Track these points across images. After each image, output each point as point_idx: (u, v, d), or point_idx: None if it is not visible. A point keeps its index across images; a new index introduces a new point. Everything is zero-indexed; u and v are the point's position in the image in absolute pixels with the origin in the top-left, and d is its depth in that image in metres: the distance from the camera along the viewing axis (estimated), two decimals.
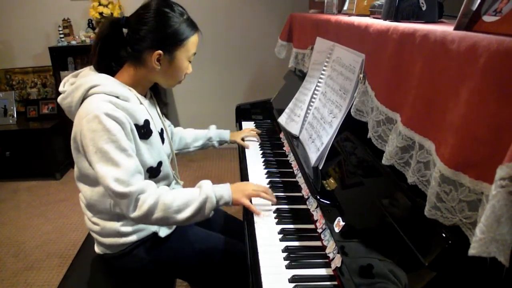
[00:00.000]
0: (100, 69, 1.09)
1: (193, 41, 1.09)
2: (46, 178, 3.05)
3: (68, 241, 2.29)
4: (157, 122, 1.17)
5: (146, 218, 1.00)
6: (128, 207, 0.98)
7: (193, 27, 1.09)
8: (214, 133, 1.60)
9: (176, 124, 3.47)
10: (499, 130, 0.50)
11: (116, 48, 1.08)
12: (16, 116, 3.13)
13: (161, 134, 1.19)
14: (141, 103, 1.10)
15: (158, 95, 1.26)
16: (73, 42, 3.02)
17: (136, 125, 1.05)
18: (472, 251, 0.47)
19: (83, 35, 3.07)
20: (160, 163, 1.14)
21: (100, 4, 2.96)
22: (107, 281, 1.16)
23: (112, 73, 1.09)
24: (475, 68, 0.55)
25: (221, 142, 1.63)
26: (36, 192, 2.88)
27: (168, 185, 1.23)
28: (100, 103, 0.98)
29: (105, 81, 1.03)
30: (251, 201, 1.14)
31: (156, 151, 1.12)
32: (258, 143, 1.71)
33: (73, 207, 2.65)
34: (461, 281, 0.61)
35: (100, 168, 0.96)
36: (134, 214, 0.99)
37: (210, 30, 3.17)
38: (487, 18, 0.64)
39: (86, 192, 1.10)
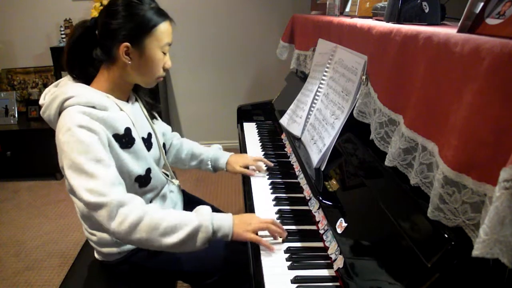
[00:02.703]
0: (75, 76, 1.05)
1: (163, 29, 1.01)
2: (47, 178, 3.05)
3: (69, 241, 2.29)
4: (143, 126, 1.12)
5: (126, 236, 0.90)
6: (106, 219, 0.89)
7: (161, 14, 1.02)
8: (211, 155, 1.40)
9: (177, 125, 3.49)
10: (502, 132, 0.50)
11: (88, 52, 1.03)
12: (17, 116, 3.13)
13: (148, 139, 1.14)
14: (121, 110, 1.04)
15: (142, 97, 1.19)
16: None
17: (116, 135, 1.00)
18: (475, 252, 0.47)
19: None
20: (148, 170, 1.09)
21: (101, 5, 2.96)
22: (109, 282, 1.16)
23: (90, 79, 1.05)
24: (478, 71, 0.55)
25: (216, 169, 1.41)
26: (37, 192, 2.88)
27: (161, 189, 1.19)
28: (74, 116, 0.93)
29: (80, 91, 0.98)
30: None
31: (142, 159, 1.07)
32: (260, 144, 1.71)
33: (74, 207, 2.61)
34: (464, 282, 0.61)
35: (73, 181, 0.90)
36: (112, 229, 0.90)
37: (211, 31, 3.18)
38: (490, 21, 0.64)
39: (79, 206, 1.07)
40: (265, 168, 1.43)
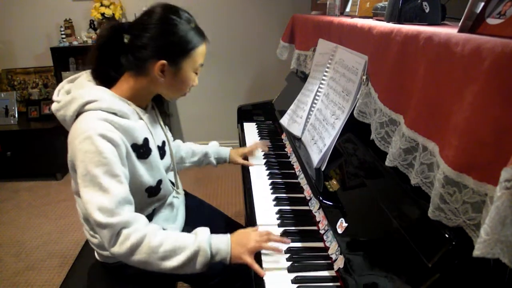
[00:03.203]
0: (97, 76, 1.02)
1: (200, 51, 1.01)
2: (47, 178, 3.05)
3: (69, 241, 2.29)
4: (158, 135, 1.12)
5: (126, 257, 0.90)
6: (108, 239, 0.89)
7: (201, 36, 1.02)
8: (213, 149, 1.49)
9: (177, 125, 3.49)
10: (503, 132, 0.50)
11: (116, 55, 1.01)
12: (17, 116, 3.13)
13: (162, 147, 1.13)
14: (140, 118, 1.03)
15: (160, 106, 1.18)
16: (75, 43, 3.03)
17: (135, 145, 0.98)
18: (476, 252, 0.47)
19: (84, 36, 3.07)
20: (160, 181, 1.09)
21: (102, 5, 2.96)
22: (109, 282, 1.16)
23: (110, 82, 1.02)
24: (479, 71, 0.55)
25: (219, 161, 1.51)
26: (37, 192, 2.88)
27: (167, 198, 1.18)
28: (95, 122, 0.90)
29: (102, 95, 0.95)
30: (260, 255, 1.00)
31: (155, 170, 1.06)
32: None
33: (74, 207, 2.63)
34: (465, 282, 0.61)
35: (86, 193, 0.89)
36: (113, 249, 0.89)
37: (212, 31, 3.15)
38: (491, 21, 0.64)
39: (83, 208, 1.05)
40: (262, 153, 1.58)
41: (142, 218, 0.94)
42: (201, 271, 0.95)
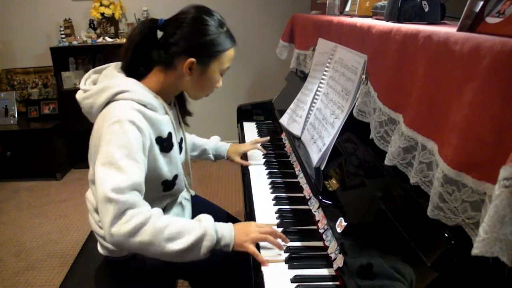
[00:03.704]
0: (128, 70, 1.04)
1: (229, 54, 1.05)
2: (47, 178, 3.05)
3: (69, 241, 2.29)
4: (178, 131, 1.15)
5: (127, 238, 0.86)
6: (111, 217, 0.85)
7: (231, 40, 1.05)
8: (212, 145, 1.54)
9: None
10: (502, 131, 0.50)
11: (148, 50, 1.03)
12: (17, 116, 3.13)
13: (180, 143, 1.16)
14: (166, 113, 1.06)
15: (182, 104, 1.23)
16: (75, 43, 3.03)
17: (159, 138, 1.01)
18: (475, 251, 0.47)
19: (84, 36, 3.07)
20: (176, 176, 1.10)
21: (101, 5, 2.96)
22: (109, 280, 1.16)
23: (139, 76, 1.04)
24: (478, 69, 0.55)
25: (217, 157, 1.55)
26: (37, 192, 2.88)
27: (179, 196, 1.20)
28: (128, 111, 0.93)
29: (134, 87, 0.98)
30: (258, 246, 1.00)
31: (174, 164, 1.08)
32: (260, 144, 1.71)
33: (74, 207, 2.66)
34: (464, 281, 0.61)
35: (101, 170, 0.88)
36: (113, 229, 0.85)
37: None
38: (490, 20, 0.64)
39: (96, 195, 1.05)
40: (261, 153, 1.57)
41: (146, 204, 0.92)
42: (204, 257, 0.93)
